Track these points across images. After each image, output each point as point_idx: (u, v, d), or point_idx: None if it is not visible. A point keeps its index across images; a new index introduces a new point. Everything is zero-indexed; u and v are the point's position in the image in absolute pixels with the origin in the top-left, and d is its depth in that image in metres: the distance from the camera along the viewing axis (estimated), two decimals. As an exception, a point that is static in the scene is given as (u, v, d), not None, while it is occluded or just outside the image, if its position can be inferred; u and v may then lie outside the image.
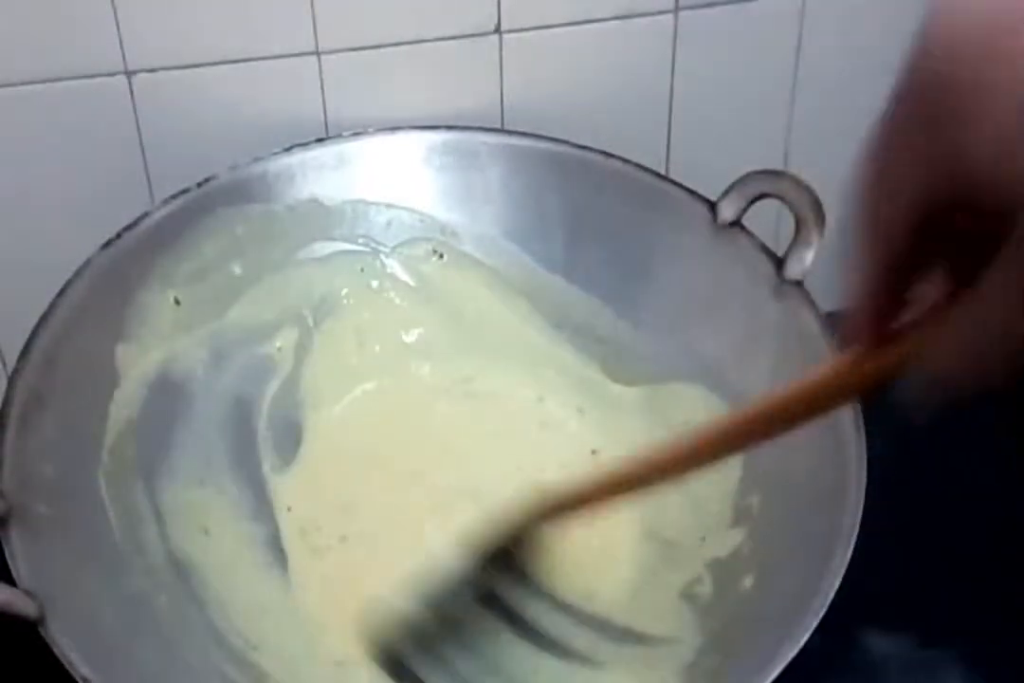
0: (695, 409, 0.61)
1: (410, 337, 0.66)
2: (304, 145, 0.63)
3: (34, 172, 0.63)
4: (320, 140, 0.63)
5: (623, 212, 0.63)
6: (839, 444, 0.53)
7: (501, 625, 0.52)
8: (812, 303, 0.58)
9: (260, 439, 0.62)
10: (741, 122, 0.71)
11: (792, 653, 0.47)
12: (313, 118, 0.65)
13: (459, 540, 0.52)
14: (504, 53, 0.65)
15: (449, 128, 0.64)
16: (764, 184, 0.58)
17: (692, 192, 0.61)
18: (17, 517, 0.50)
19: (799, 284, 0.58)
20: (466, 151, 0.64)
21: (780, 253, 0.59)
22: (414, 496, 0.61)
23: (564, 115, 0.67)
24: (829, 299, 0.60)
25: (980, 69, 0.29)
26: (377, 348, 0.66)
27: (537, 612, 0.53)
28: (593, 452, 0.63)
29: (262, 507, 0.61)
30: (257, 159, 0.62)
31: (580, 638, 0.55)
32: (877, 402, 0.55)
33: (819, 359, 0.56)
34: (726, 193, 0.60)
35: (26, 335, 0.55)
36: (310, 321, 0.65)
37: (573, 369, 0.65)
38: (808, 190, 0.57)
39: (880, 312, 0.33)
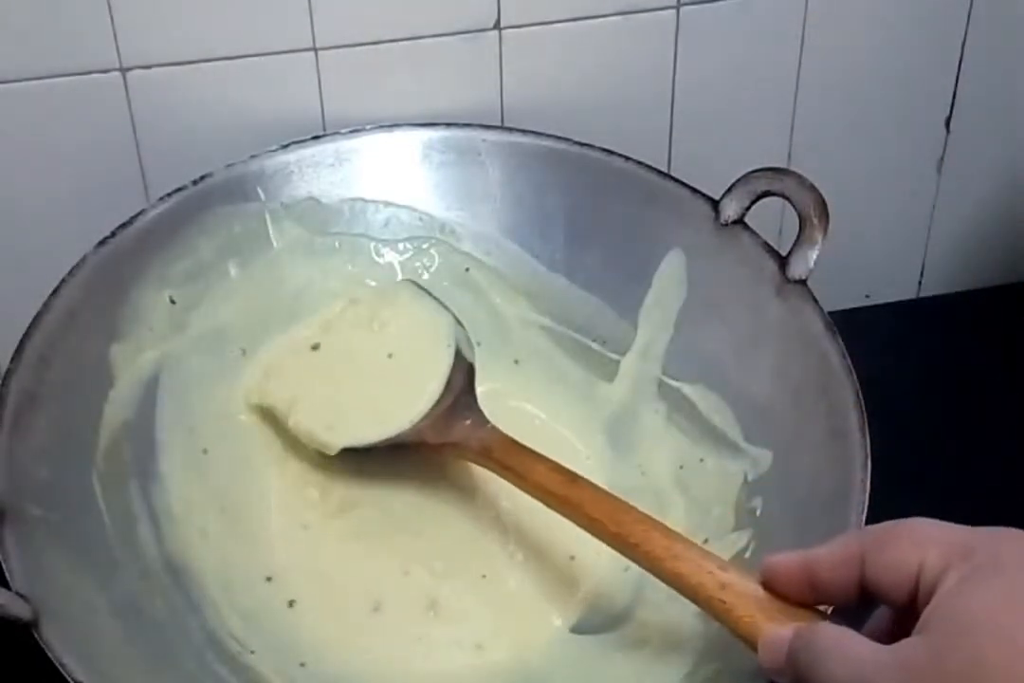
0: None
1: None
2: (301, 142, 0.63)
3: (28, 170, 0.63)
4: (317, 137, 0.63)
5: (624, 210, 0.62)
6: (844, 447, 0.53)
7: None
8: (816, 303, 0.57)
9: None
10: (744, 119, 0.70)
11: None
12: (310, 115, 0.65)
13: None
14: (504, 49, 0.65)
15: (448, 125, 0.64)
16: (767, 182, 0.58)
17: (694, 190, 0.61)
18: (10, 519, 0.50)
19: (802, 283, 0.57)
20: (466, 148, 0.64)
21: (783, 252, 0.58)
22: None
23: (565, 112, 0.66)
24: (833, 299, 0.59)
25: None
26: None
27: None
28: (587, 458, 0.62)
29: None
30: (253, 157, 0.62)
31: None
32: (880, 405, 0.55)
33: (822, 359, 0.56)
34: (729, 191, 0.59)
35: (19, 335, 0.55)
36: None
37: (573, 368, 0.64)
38: (812, 188, 0.56)
39: None
